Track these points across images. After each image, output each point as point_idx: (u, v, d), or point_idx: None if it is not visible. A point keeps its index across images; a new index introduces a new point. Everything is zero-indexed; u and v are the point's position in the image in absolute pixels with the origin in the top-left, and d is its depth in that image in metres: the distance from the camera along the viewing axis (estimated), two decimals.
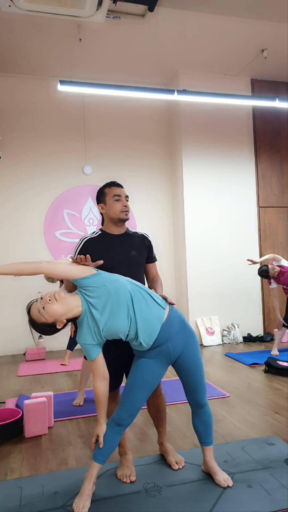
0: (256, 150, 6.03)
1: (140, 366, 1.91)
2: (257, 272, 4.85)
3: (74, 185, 5.80)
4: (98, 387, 1.88)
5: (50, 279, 4.42)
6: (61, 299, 1.80)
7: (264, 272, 4.65)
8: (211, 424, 2.07)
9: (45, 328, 1.84)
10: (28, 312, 1.87)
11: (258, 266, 5.95)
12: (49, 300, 1.79)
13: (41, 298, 1.82)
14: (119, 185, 2.26)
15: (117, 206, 2.17)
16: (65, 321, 1.84)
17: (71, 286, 2.03)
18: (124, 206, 2.19)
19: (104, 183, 2.29)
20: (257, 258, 5.94)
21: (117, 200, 2.19)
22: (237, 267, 5.84)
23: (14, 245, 5.56)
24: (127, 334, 1.85)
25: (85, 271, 1.86)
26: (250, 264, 5.00)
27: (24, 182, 5.65)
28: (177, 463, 2.22)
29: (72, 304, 1.82)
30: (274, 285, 4.71)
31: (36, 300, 1.85)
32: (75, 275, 1.85)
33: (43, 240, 5.66)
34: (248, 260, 4.93)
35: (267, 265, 4.65)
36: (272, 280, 4.69)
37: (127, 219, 2.21)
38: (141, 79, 5.74)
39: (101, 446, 1.87)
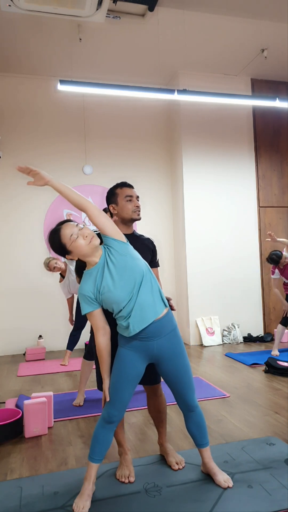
0: (256, 150, 6.03)
1: (122, 360, 1.91)
2: (268, 254, 4.69)
3: (74, 185, 5.80)
4: (100, 341, 1.91)
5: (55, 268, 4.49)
6: (93, 244, 1.84)
7: (276, 257, 4.51)
8: (205, 425, 2.06)
9: (59, 248, 1.88)
10: (61, 224, 1.90)
11: (256, 265, 5.97)
12: (86, 236, 1.84)
13: (82, 227, 1.85)
14: (130, 186, 2.27)
15: (129, 207, 2.21)
16: (76, 259, 1.92)
17: None
18: (136, 206, 2.23)
19: (115, 184, 2.29)
20: (257, 255, 5.94)
21: (129, 200, 2.21)
22: (237, 267, 5.84)
23: (14, 245, 5.56)
24: (120, 310, 1.86)
25: (118, 235, 1.90)
26: (268, 240, 4.70)
27: (24, 182, 5.58)
28: (177, 463, 2.22)
29: (94, 253, 1.87)
30: (277, 275, 4.66)
31: (77, 225, 1.87)
32: (108, 232, 1.88)
33: (43, 240, 5.65)
34: (269, 234, 4.59)
35: (281, 252, 4.57)
36: (276, 270, 4.64)
37: (139, 219, 2.24)
38: (141, 79, 5.74)
39: (107, 399, 1.90)
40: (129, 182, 2.31)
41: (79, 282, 2.16)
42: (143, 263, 1.93)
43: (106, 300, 1.86)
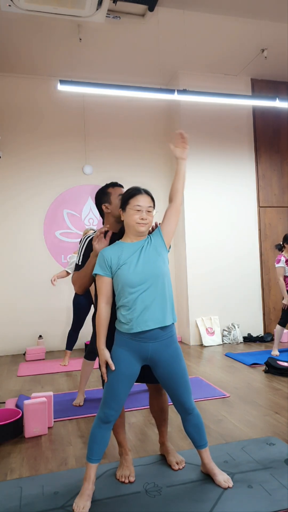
0: (256, 150, 6.03)
1: (118, 359, 1.90)
2: (284, 236, 4.74)
3: (74, 185, 5.80)
4: (102, 307, 1.92)
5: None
6: (140, 230, 1.92)
7: None
8: (203, 426, 2.06)
9: (124, 201, 1.97)
10: (145, 191, 1.97)
11: (256, 265, 5.97)
12: (142, 219, 1.91)
13: (150, 212, 1.95)
14: (122, 186, 2.28)
15: None
16: (122, 219, 1.99)
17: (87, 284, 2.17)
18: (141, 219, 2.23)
19: (105, 184, 2.29)
20: (257, 255, 5.94)
21: None
22: (237, 267, 5.84)
23: (14, 245, 5.56)
24: (125, 296, 1.87)
25: (168, 238, 2.01)
26: None
27: (24, 182, 5.64)
28: (177, 463, 2.22)
29: (134, 235, 1.95)
30: (282, 264, 4.66)
31: (150, 206, 1.95)
32: (165, 229, 2.00)
33: (43, 240, 5.66)
34: None
35: None
36: (282, 258, 4.64)
37: None
38: (141, 79, 5.74)
39: (112, 368, 1.88)
40: (129, 182, 2.31)
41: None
42: (168, 273, 1.97)
43: (118, 277, 1.88)
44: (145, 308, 1.86)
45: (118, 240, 2.02)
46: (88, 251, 2.15)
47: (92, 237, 2.19)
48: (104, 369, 1.90)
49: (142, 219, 1.91)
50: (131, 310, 1.86)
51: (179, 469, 2.19)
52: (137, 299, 1.86)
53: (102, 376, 1.95)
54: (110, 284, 1.94)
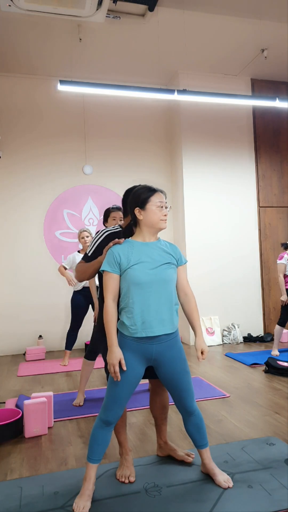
0: (256, 150, 6.03)
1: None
2: None
3: (74, 185, 5.80)
4: (109, 304, 1.89)
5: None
6: (161, 225, 1.96)
7: None
8: (204, 426, 2.06)
9: (141, 201, 1.94)
10: (159, 190, 1.99)
11: (256, 265, 5.97)
12: (165, 215, 1.96)
13: (168, 210, 2.00)
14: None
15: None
16: (141, 218, 1.94)
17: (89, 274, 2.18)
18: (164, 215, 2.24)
19: (145, 186, 2.24)
20: (257, 255, 5.94)
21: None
22: (237, 267, 5.84)
23: (14, 245, 5.56)
24: (132, 301, 1.85)
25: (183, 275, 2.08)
26: None
27: (24, 182, 5.64)
28: (188, 455, 2.25)
29: (151, 233, 1.97)
30: (284, 261, 4.68)
31: (167, 202, 2.00)
32: (178, 273, 2.05)
33: (43, 240, 5.65)
34: None
35: None
36: (285, 255, 4.66)
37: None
38: (141, 79, 5.74)
39: (124, 368, 1.84)
40: (129, 182, 2.30)
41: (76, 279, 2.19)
42: (174, 282, 1.97)
43: (127, 275, 1.86)
44: (151, 312, 1.85)
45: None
46: (102, 245, 2.13)
47: (111, 233, 2.18)
48: (117, 368, 1.82)
49: (165, 215, 1.94)
50: (137, 313, 1.85)
51: (192, 459, 2.22)
52: (144, 302, 1.84)
53: (109, 375, 1.92)
54: (118, 281, 1.92)
